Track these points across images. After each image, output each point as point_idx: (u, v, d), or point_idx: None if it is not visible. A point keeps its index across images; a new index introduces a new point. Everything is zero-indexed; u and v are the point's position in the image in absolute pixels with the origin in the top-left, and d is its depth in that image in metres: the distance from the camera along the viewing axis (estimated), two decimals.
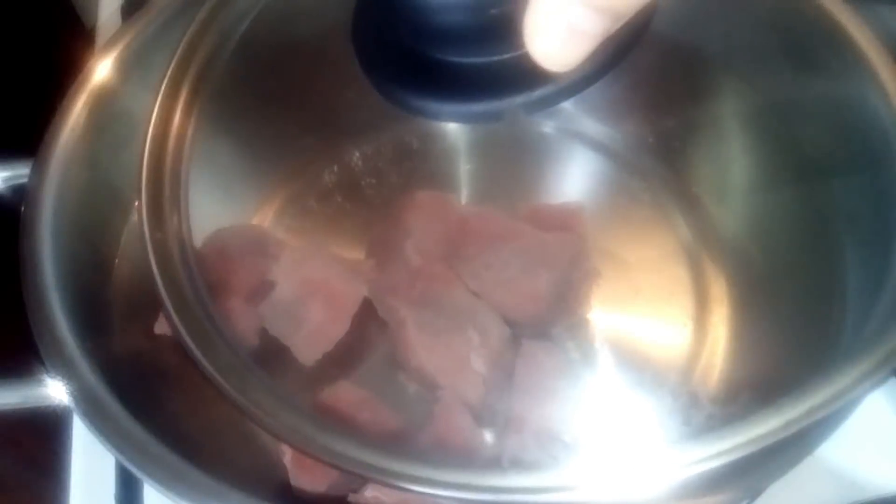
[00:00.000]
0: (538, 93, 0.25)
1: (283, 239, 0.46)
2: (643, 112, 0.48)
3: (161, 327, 0.40)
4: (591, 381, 0.42)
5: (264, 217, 0.48)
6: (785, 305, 0.42)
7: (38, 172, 0.40)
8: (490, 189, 0.49)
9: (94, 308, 0.39)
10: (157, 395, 0.38)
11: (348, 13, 0.29)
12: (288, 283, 0.41)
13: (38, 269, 0.37)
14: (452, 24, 0.25)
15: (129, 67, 0.42)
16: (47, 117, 0.41)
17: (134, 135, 0.34)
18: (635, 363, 0.43)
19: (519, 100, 0.25)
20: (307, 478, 0.37)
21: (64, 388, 0.34)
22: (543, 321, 0.42)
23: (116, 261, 0.42)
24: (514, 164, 0.48)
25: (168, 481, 0.32)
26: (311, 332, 0.41)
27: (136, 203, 0.32)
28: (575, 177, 0.50)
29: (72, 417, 0.42)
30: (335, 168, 0.49)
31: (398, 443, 0.39)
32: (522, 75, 0.24)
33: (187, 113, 0.33)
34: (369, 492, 0.37)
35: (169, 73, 0.34)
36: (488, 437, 0.39)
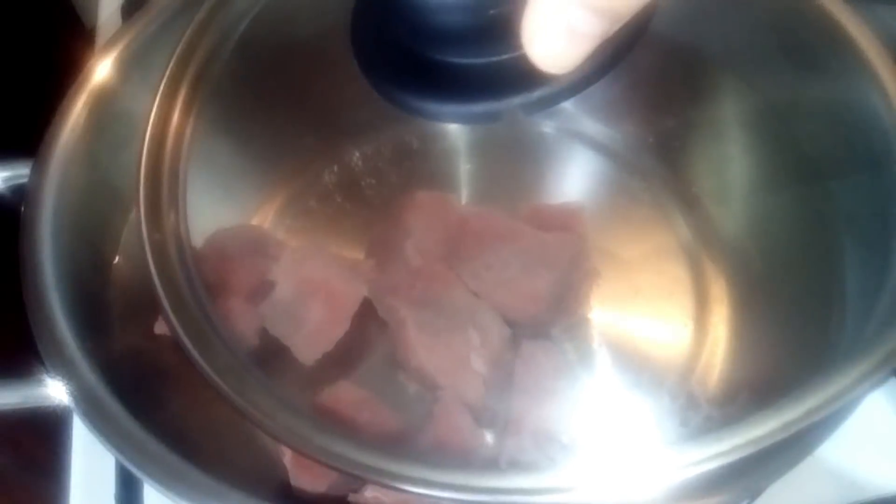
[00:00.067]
0: (537, 94, 0.25)
1: (283, 239, 0.46)
2: (643, 112, 0.48)
3: (161, 327, 0.40)
4: (591, 381, 0.42)
5: (264, 217, 0.48)
6: (785, 305, 0.42)
7: (38, 172, 0.39)
8: (490, 189, 0.49)
9: (94, 308, 0.39)
10: (157, 395, 0.38)
11: (348, 13, 0.29)
12: (288, 283, 0.41)
13: (38, 269, 0.37)
14: (451, 25, 0.25)
15: (129, 67, 0.42)
16: (47, 117, 0.41)
17: (134, 135, 0.34)
18: (635, 363, 0.43)
19: (517, 100, 0.25)
20: (307, 478, 0.37)
21: (64, 388, 0.34)
22: (543, 321, 0.42)
23: (116, 261, 0.42)
24: (514, 164, 0.48)
25: (168, 481, 0.32)
26: (311, 332, 0.41)
27: (134, 203, 0.32)
28: (575, 177, 0.50)
29: (72, 417, 0.42)
30: (335, 168, 0.49)
31: (398, 443, 0.39)
32: (521, 76, 0.24)
33: (186, 112, 0.33)
34: (369, 492, 0.37)
35: (168, 72, 0.34)
36: (488, 437, 0.39)
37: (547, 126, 0.49)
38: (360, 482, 0.37)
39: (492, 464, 0.37)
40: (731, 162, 0.47)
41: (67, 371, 0.35)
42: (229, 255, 0.42)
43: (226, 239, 0.43)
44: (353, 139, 0.50)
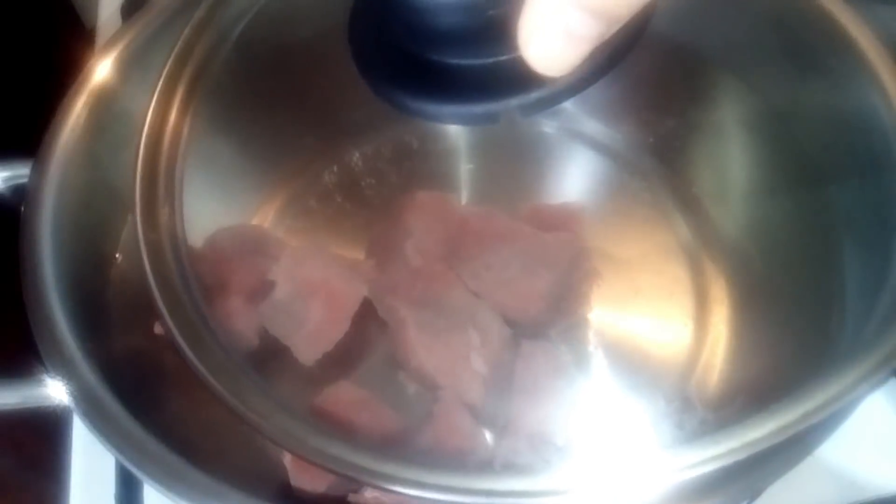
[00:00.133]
0: (535, 95, 0.25)
1: (283, 239, 0.46)
2: (643, 112, 0.48)
3: (161, 327, 0.40)
4: (590, 382, 0.42)
5: (264, 217, 0.48)
6: (785, 306, 0.42)
7: (38, 172, 0.40)
8: (490, 189, 0.49)
9: (94, 308, 0.39)
10: (157, 395, 0.38)
11: (347, 13, 0.29)
12: (288, 283, 0.41)
13: (38, 269, 0.37)
14: (449, 26, 0.25)
15: (129, 67, 0.42)
16: (47, 117, 0.41)
17: (134, 135, 0.33)
18: (635, 364, 0.43)
19: (515, 102, 0.25)
20: (307, 478, 0.37)
21: (64, 388, 0.34)
22: (543, 321, 0.42)
23: (116, 260, 0.42)
24: (514, 164, 0.48)
25: (168, 481, 0.32)
26: (311, 332, 0.41)
27: (130, 202, 0.32)
28: (575, 177, 0.50)
29: (72, 417, 0.42)
30: (335, 168, 0.49)
31: (398, 443, 0.39)
32: (519, 77, 0.24)
33: (183, 111, 0.33)
34: (369, 492, 0.37)
35: (165, 71, 0.34)
36: (488, 437, 0.39)
37: (547, 126, 0.49)
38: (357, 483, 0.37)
39: (487, 466, 0.37)
40: (731, 162, 0.47)
41: (67, 371, 0.35)
42: (229, 255, 0.42)
43: (225, 239, 0.43)
44: (353, 139, 0.50)
